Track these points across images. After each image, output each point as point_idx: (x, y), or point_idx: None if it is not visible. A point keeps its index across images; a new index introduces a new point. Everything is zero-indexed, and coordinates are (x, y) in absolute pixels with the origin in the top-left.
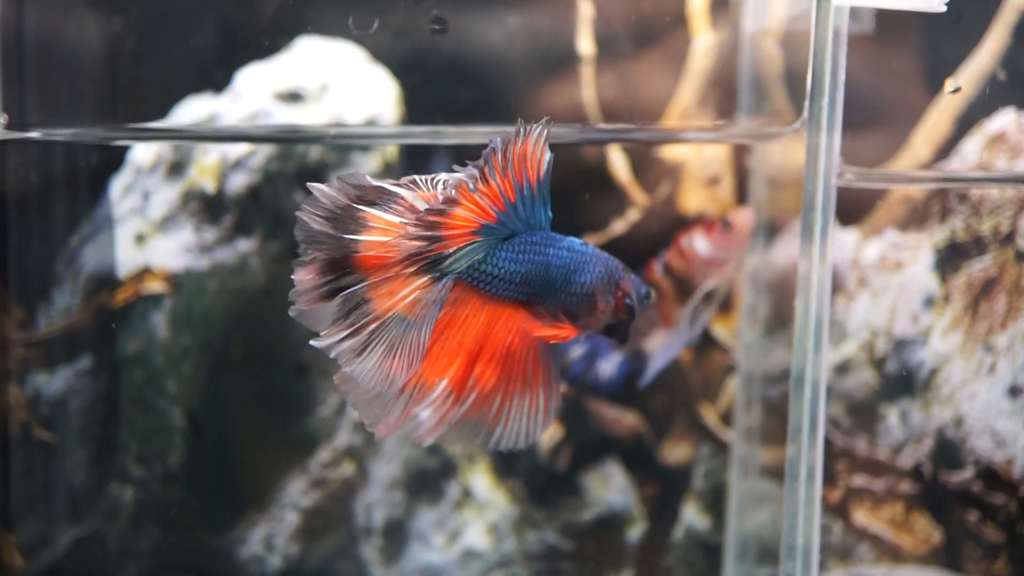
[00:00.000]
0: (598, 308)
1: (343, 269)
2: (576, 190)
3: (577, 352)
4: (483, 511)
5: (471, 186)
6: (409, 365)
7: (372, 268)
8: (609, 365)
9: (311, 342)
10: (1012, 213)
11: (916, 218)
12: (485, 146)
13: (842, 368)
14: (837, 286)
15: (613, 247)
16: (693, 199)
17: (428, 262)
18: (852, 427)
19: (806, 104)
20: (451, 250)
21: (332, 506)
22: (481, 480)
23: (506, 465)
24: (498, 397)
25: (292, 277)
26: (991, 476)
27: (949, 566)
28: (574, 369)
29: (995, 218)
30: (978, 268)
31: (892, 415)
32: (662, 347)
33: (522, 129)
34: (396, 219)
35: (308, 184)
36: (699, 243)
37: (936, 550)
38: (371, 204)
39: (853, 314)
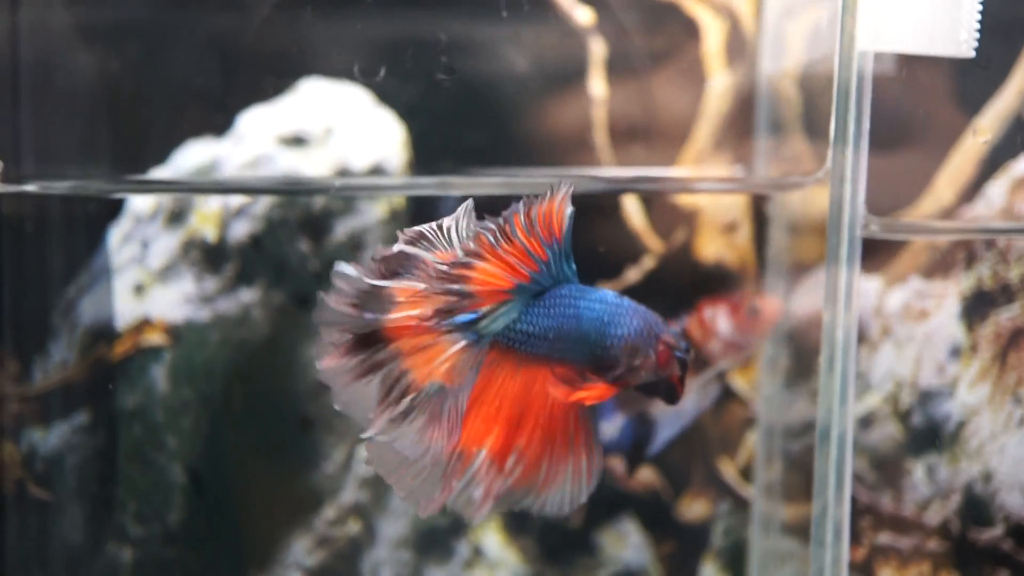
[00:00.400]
0: (636, 363)
1: (375, 345)
2: (589, 236)
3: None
4: (494, 571)
5: (491, 240)
6: (449, 434)
7: (404, 337)
8: (610, 427)
9: (362, 436)
10: None
11: (941, 265)
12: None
13: (866, 421)
14: (860, 335)
15: (629, 296)
16: (710, 246)
17: (463, 324)
18: (877, 482)
19: (829, 153)
20: (485, 309)
21: (338, 565)
22: (492, 538)
23: (518, 523)
24: (542, 464)
25: (320, 364)
26: (1022, 534)
27: None
28: (621, 437)
29: (1023, 266)
30: (1006, 317)
31: (918, 470)
32: (672, 415)
33: (549, 192)
34: (422, 285)
35: (333, 268)
36: (722, 322)
37: None
38: (394, 275)
39: (877, 365)
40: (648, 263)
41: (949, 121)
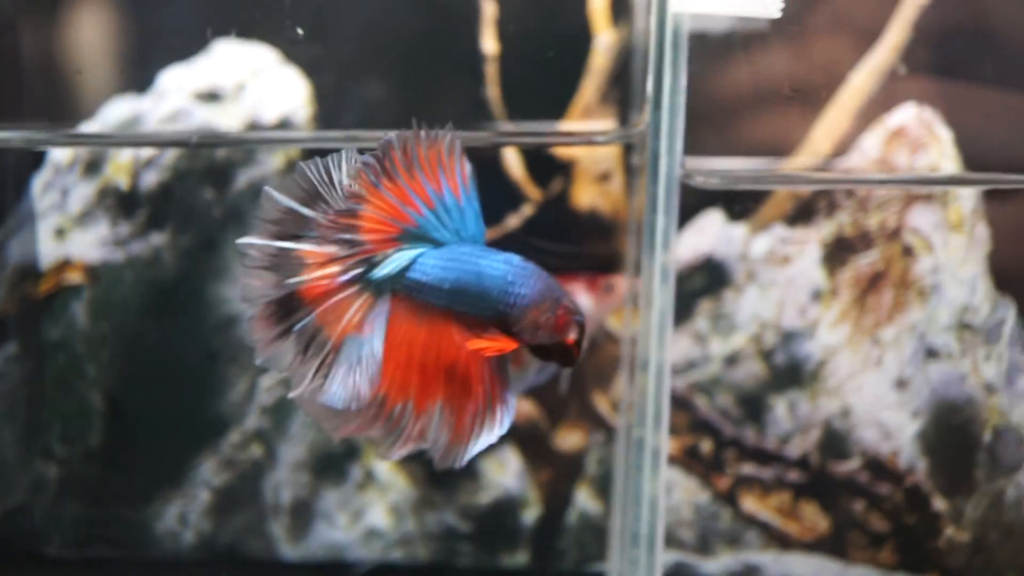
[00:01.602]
0: (536, 324)
1: (290, 307)
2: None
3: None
4: (384, 492)
5: (372, 179)
6: (370, 381)
7: (315, 297)
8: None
9: (290, 395)
10: (899, 208)
11: (803, 213)
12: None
13: (731, 359)
14: (726, 280)
15: (508, 242)
16: (585, 195)
17: (361, 276)
18: (741, 417)
19: (646, 108)
20: (377, 257)
21: (242, 485)
22: (382, 463)
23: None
24: (449, 409)
25: (247, 330)
26: (877, 467)
27: (835, 554)
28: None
29: (882, 213)
30: (865, 263)
31: (780, 406)
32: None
33: (423, 131)
34: (324, 248)
35: (240, 242)
36: (580, 298)
37: (823, 538)
38: (296, 237)
39: (742, 307)
40: (527, 211)
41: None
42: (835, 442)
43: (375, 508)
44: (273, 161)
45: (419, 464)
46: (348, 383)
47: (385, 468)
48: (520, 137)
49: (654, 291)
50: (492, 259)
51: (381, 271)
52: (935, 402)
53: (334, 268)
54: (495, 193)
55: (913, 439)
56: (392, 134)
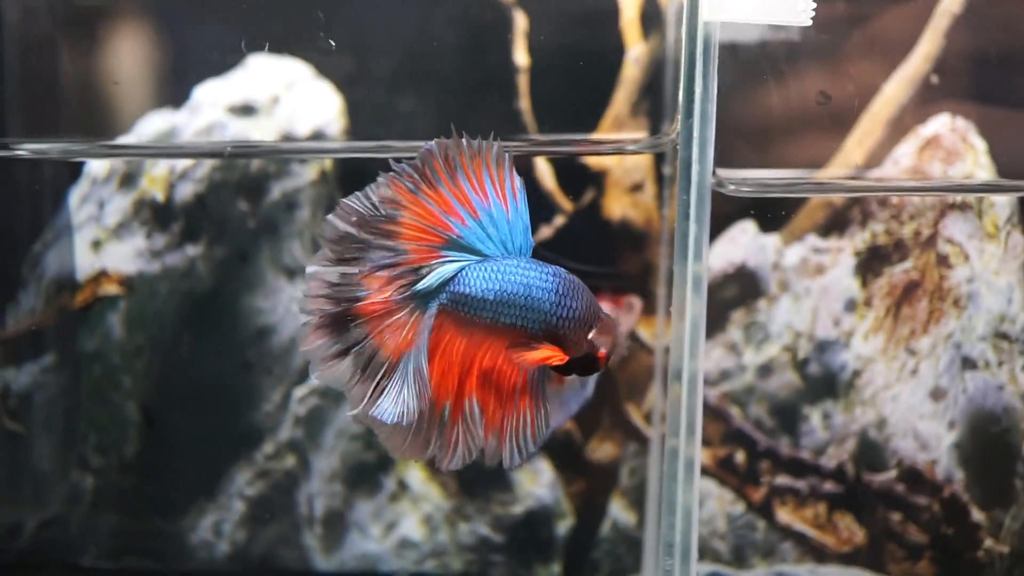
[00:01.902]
0: (585, 336)
1: (346, 325)
2: None
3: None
4: (418, 503)
5: (410, 186)
6: (419, 395)
7: (371, 315)
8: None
9: (348, 414)
10: (933, 217)
11: (837, 223)
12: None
13: (765, 370)
14: (759, 290)
15: (543, 253)
16: (617, 206)
17: (409, 285)
18: (775, 428)
19: (678, 117)
20: (423, 269)
21: (276, 496)
22: (415, 474)
23: None
24: (495, 420)
25: (303, 346)
26: (914, 477)
27: (872, 566)
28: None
29: (916, 222)
30: (899, 272)
31: (815, 416)
32: (559, 404)
33: (466, 140)
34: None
35: (307, 270)
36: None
37: (859, 550)
38: (350, 260)
39: (775, 317)
40: (559, 221)
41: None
42: (871, 453)
43: (408, 519)
44: (307, 173)
45: (452, 475)
46: (400, 399)
47: (418, 479)
48: (551, 147)
49: (686, 300)
50: (541, 271)
51: (424, 284)
52: (972, 412)
53: (387, 286)
54: (529, 205)
55: (950, 449)
56: (433, 142)
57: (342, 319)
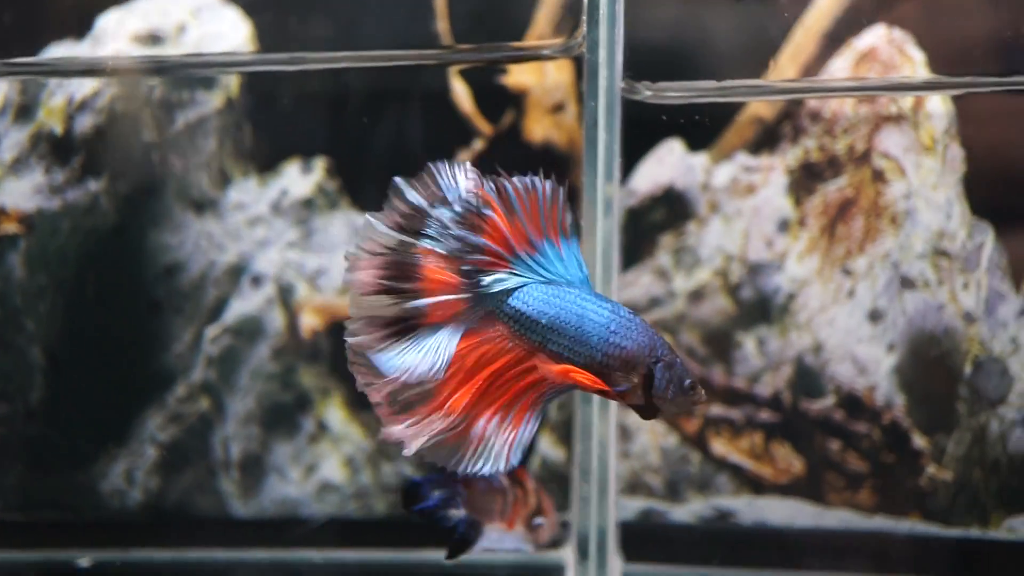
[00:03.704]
0: (629, 377)
1: (405, 271)
2: (419, 120)
3: (436, 493)
4: (338, 445)
5: (495, 196)
6: (431, 367)
7: (431, 285)
8: (457, 513)
9: (345, 336)
10: (868, 131)
11: (767, 140)
12: None
13: (696, 296)
14: (688, 212)
15: None
16: (538, 128)
17: (472, 277)
18: (708, 356)
19: (583, 22)
20: (489, 271)
21: (190, 440)
22: (335, 414)
23: (360, 399)
24: (484, 428)
25: (351, 272)
26: (853, 404)
27: (811, 497)
28: (430, 501)
29: (850, 137)
30: (834, 189)
31: (749, 343)
32: (495, 537)
33: (529, 179)
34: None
35: (366, 216)
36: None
37: (798, 480)
38: (419, 235)
39: (705, 240)
40: (478, 146)
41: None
42: (808, 379)
43: (329, 461)
44: (212, 101)
45: (374, 414)
46: (405, 361)
47: (338, 419)
48: (468, 55)
49: (597, 220)
50: (598, 305)
51: (490, 283)
52: (912, 334)
53: (450, 263)
54: (444, 129)
55: (890, 374)
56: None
57: (406, 264)
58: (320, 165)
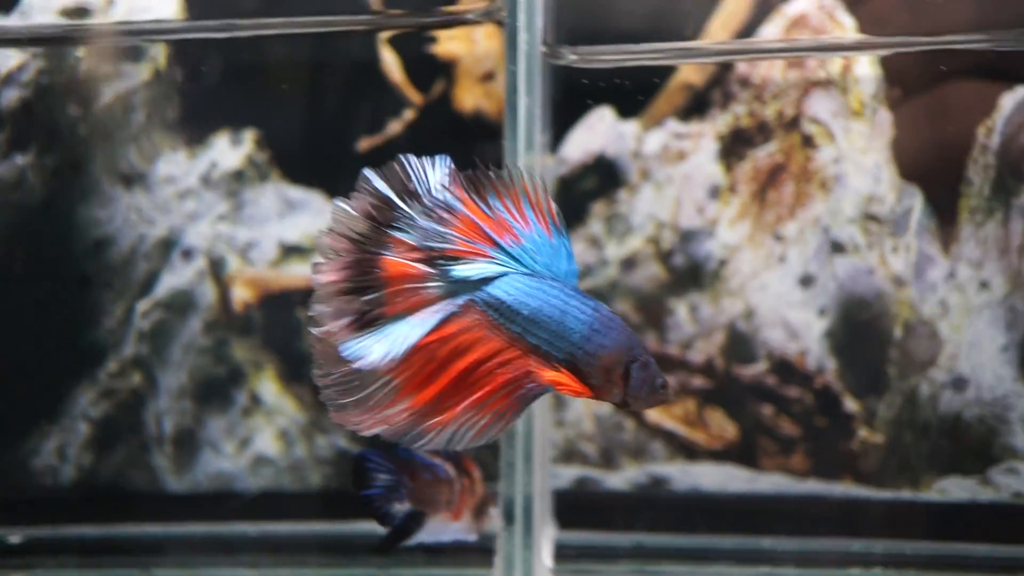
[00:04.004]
0: (608, 376)
1: (368, 270)
2: (349, 91)
3: (383, 478)
4: (272, 418)
5: (468, 188)
6: (385, 356)
7: (394, 275)
8: (400, 507)
9: (314, 331)
10: (797, 96)
11: (697, 106)
12: None
13: (628, 263)
14: (619, 180)
15: (392, 149)
16: (468, 97)
17: (443, 267)
18: (641, 323)
19: None
20: (464, 259)
21: (122, 416)
22: (269, 387)
23: (293, 371)
24: (450, 419)
25: (316, 273)
26: (785, 369)
27: (744, 462)
28: (374, 488)
29: (779, 102)
30: (764, 155)
31: (681, 309)
32: (438, 529)
33: (505, 169)
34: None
35: (334, 202)
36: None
37: (731, 446)
38: (389, 226)
39: (637, 208)
40: (409, 116)
41: None
42: (740, 345)
43: (263, 434)
44: (140, 74)
45: (307, 387)
46: (370, 346)
47: (272, 392)
48: (394, 19)
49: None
50: (581, 302)
51: (463, 271)
52: (842, 298)
53: (417, 255)
54: (375, 99)
55: (821, 338)
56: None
57: (367, 262)
58: (250, 137)
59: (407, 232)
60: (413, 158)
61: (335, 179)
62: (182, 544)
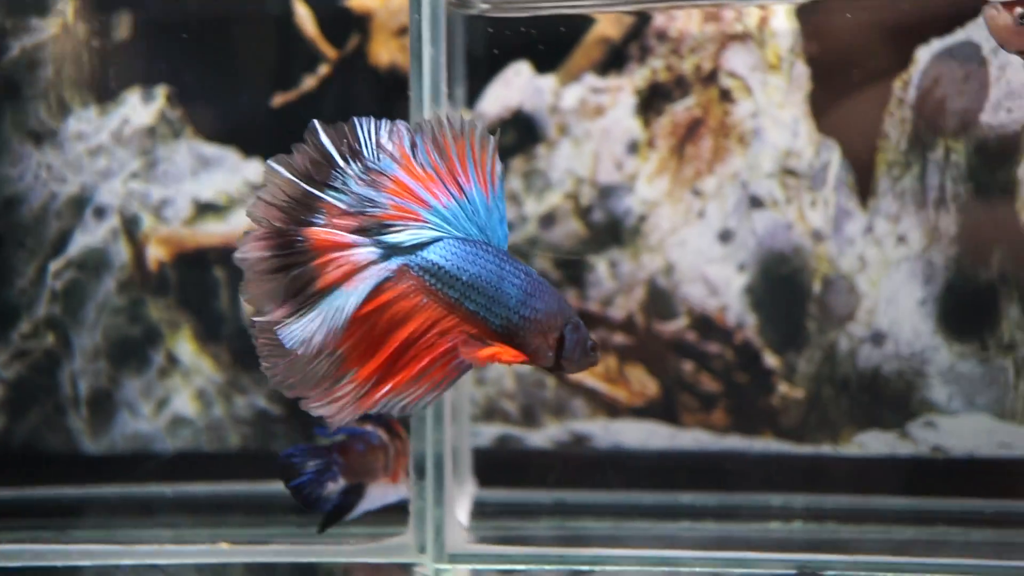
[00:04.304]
0: (546, 340)
1: (293, 247)
2: (263, 47)
3: (311, 465)
4: (189, 378)
5: (408, 146)
6: (328, 333)
7: (321, 245)
8: (335, 486)
9: (255, 319)
10: (714, 50)
11: (615, 60)
12: None
13: (547, 219)
14: (537, 135)
15: (307, 104)
16: (383, 51)
17: (374, 233)
18: (561, 280)
19: None
20: (397, 224)
21: (36, 377)
22: (185, 347)
23: (210, 331)
24: (391, 391)
25: (240, 252)
26: (705, 325)
27: (666, 418)
28: (305, 475)
29: (696, 56)
30: (682, 109)
31: (601, 266)
32: (379, 494)
33: (457, 117)
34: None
35: (266, 162)
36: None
37: (652, 402)
38: (324, 186)
39: (555, 163)
40: (324, 71)
41: None
42: (660, 301)
43: (180, 395)
44: (48, 28)
45: (223, 346)
46: (309, 328)
47: (189, 352)
48: None
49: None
50: (515, 267)
51: (395, 236)
52: (761, 253)
53: (348, 221)
54: (289, 54)
55: (741, 294)
56: (425, 117)
57: (290, 237)
58: (162, 93)
59: (341, 194)
60: (366, 120)
61: (249, 136)
62: (99, 506)
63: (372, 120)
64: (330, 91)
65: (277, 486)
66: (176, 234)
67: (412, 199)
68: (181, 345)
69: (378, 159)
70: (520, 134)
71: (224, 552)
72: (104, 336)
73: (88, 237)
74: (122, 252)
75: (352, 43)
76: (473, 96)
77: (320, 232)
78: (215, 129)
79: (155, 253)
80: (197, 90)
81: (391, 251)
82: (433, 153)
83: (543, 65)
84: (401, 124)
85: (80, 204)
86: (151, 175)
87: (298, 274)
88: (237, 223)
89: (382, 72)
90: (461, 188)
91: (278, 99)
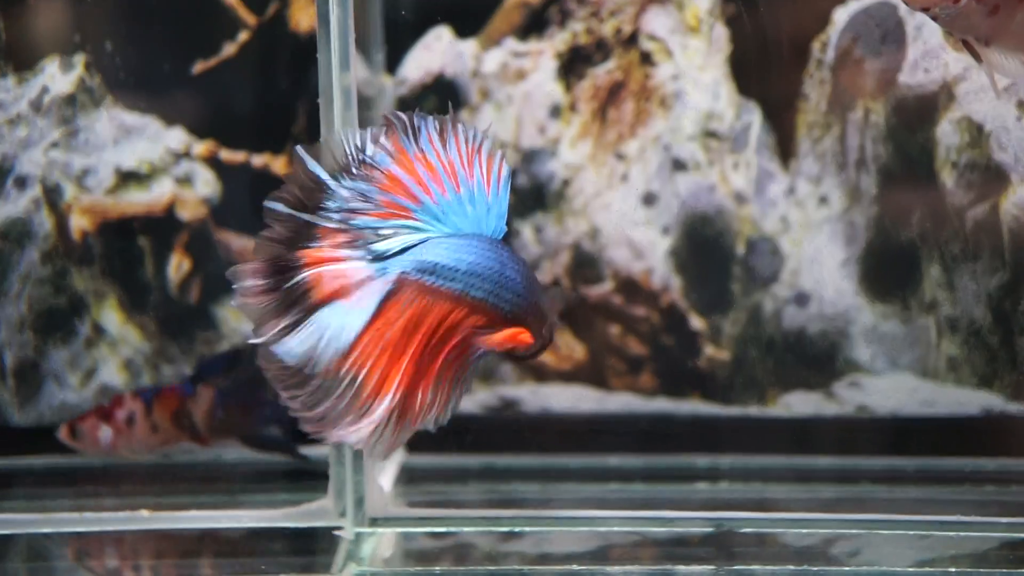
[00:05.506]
0: (539, 327)
1: (289, 267)
2: (181, 11)
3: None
4: (117, 348)
5: (404, 140)
6: (336, 352)
7: (315, 261)
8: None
9: (250, 341)
10: (634, 12)
11: (535, 24)
12: None
13: None
14: (459, 100)
15: (227, 71)
16: (304, 17)
17: (367, 245)
18: None
19: None
20: (388, 232)
21: None
22: (112, 317)
23: (136, 301)
24: (422, 402)
25: (237, 273)
26: (631, 288)
27: (594, 382)
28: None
29: (616, 19)
30: (603, 72)
31: (526, 230)
32: None
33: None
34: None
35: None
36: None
37: (580, 366)
38: (317, 208)
39: (478, 128)
40: (243, 37)
41: None
42: (586, 265)
43: (108, 365)
44: None
45: (150, 316)
46: (309, 343)
47: (115, 322)
48: None
49: (334, 111)
50: (511, 256)
51: (385, 244)
52: (685, 216)
53: (341, 238)
54: (208, 20)
55: (666, 256)
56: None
57: (286, 262)
58: (81, 61)
59: (334, 213)
60: (352, 132)
61: (170, 104)
62: (26, 477)
63: (356, 131)
64: (250, 58)
65: (206, 452)
66: (99, 203)
67: (403, 195)
68: (107, 315)
69: (371, 152)
70: (442, 99)
71: (144, 519)
72: (29, 307)
73: (10, 207)
74: (45, 222)
75: (272, 9)
76: (394, 62)
77: (315, 251)
78: (136, 97)
79: (78, 223)
80: (116, 58)
81: (383, 259)
82: (438, 143)
83: (464, 30)
84: (399, 115)
85: (0, 174)
86: (72, 144)
87: (291, 287)
88: (160, 192)
89: (302, 38)
90: (459, 183)
91: (198, 66)
